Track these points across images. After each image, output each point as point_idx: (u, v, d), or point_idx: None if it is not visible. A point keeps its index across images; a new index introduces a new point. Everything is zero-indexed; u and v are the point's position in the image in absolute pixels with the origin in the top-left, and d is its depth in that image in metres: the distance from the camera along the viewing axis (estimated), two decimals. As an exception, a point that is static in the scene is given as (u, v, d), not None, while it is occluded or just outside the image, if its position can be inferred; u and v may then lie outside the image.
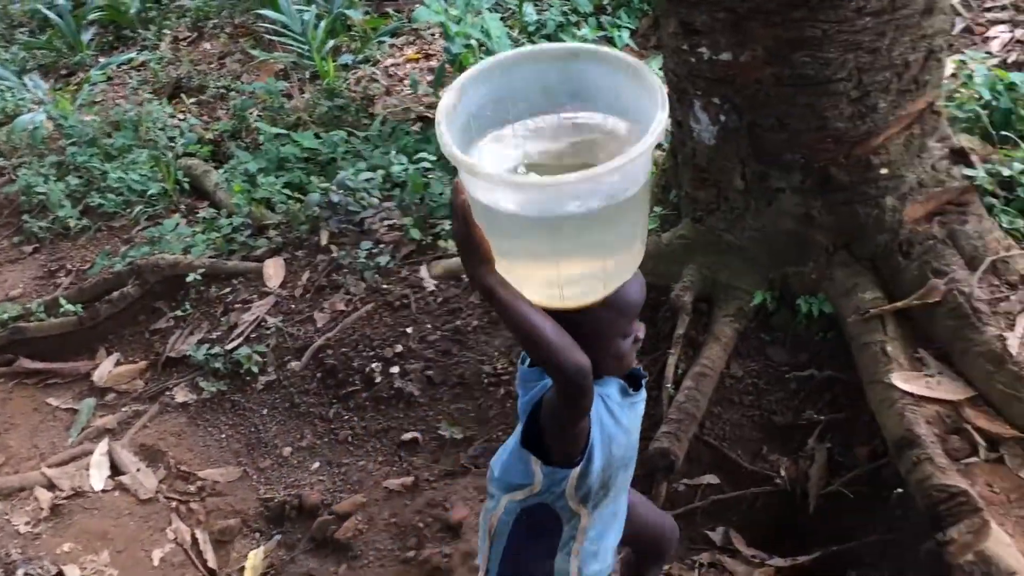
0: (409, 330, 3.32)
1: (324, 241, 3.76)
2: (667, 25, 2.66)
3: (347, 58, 4.86)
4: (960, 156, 2.64)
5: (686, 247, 2.87)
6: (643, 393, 1.69)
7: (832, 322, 2.64)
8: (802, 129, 2.45)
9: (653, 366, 2.78)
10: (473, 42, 4.40)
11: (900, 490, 2.31)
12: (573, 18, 4.88)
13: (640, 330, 1.60)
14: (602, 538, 1.74)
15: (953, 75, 3.31)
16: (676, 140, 2.91)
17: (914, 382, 2.36)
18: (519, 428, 1.66)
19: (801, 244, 2.65)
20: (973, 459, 2.20)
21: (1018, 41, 4.07)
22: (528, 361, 1.66)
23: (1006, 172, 2.66)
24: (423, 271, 3.53)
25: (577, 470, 1.60)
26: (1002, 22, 4.27)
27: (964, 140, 2.83)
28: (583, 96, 1.44)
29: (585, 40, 4.08)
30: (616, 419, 1.62)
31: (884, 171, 2.48)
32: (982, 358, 2.32)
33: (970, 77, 3.06)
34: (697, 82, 2.60)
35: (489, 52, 4.38)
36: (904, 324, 2.49)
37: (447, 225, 3.60)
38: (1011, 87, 2.95)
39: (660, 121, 1.28)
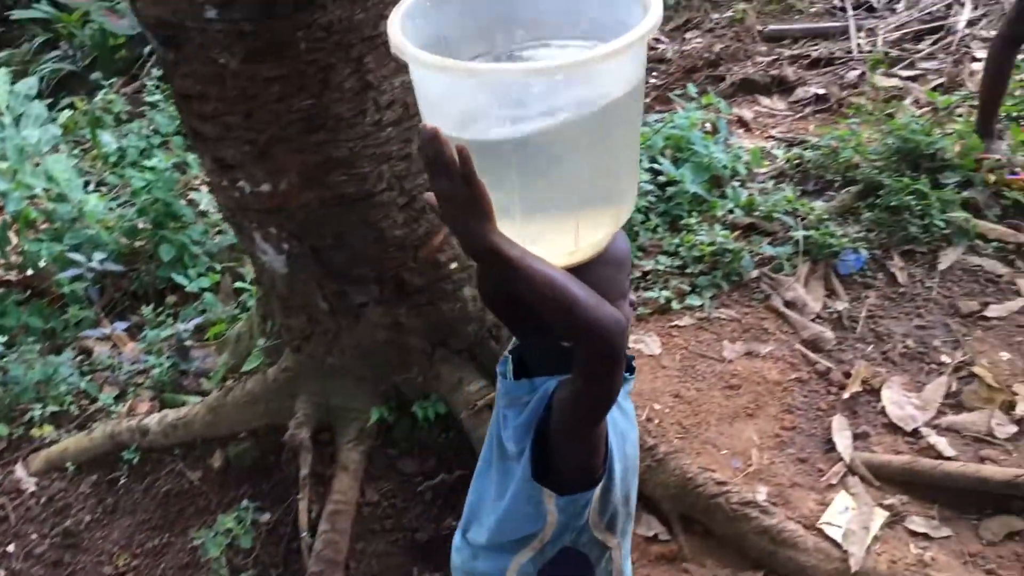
0: (10, 548, 2.82)
1: None
2: (204, 163, 2.49)
3: None
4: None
5: (291, 379, 2.72)
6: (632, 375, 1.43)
7: (450, 420, 2.60)
8: (362, 243, 2.39)
9: (286, 516, 2.58)
10: (39, 191, 3.95)
11: None
12: (156, 140, 4.58)
13: (632, 293, 1.37)
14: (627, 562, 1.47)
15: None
16: (256, 271, 2.74)
17: (530, 466, 2.37)
18: (515, 480, 1.30)
19: (401, 351, 2.58)
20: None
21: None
22: (510, 372, 1.33)
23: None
24: (18, 470, 3.04)
25: (599, 488, 1.30)
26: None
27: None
28: (538, 23, 1.25)
29: (158, 166, 3.79)
30: (623, 411, 1.37)
31: (454, 265, 2.49)
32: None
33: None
34: (249, 214, 2.44)
35: (61, 197, 3.96)
36: (512, 407, 2.51)
37: (38, 410, 3.14)
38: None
39: (651, 16, 1.08)
